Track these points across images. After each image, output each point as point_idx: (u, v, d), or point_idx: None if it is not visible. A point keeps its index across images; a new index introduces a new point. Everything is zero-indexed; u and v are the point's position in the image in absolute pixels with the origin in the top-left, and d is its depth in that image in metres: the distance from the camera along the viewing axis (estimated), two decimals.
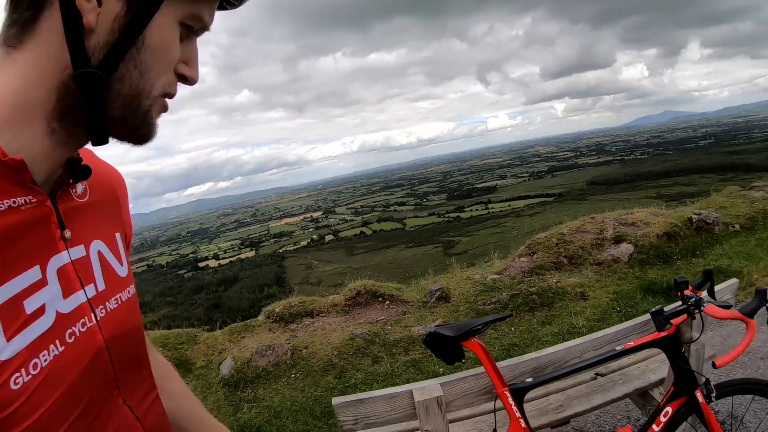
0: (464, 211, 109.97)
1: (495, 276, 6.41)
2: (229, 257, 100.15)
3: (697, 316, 2.07)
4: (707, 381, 2.12)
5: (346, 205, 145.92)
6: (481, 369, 2.11)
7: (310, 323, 5.82)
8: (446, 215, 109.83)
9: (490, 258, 7.46)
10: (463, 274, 6.63)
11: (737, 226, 7.36)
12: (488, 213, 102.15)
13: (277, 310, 6.08)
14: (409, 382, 4.39)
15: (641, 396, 2.84)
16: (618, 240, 6.97)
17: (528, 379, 2.15)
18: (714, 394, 2.09)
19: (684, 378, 2.07)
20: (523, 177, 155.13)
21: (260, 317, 6.17)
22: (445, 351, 2.06)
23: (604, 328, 4.83)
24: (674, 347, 2.09)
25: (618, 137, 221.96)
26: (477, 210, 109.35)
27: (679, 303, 2.08)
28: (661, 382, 2.73)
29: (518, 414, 2.01)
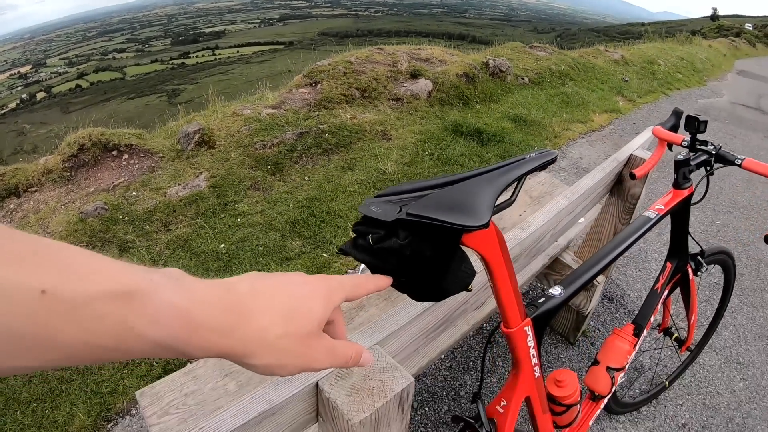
0: (189, 58, 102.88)
1: (271, 110, 5.04)
2: None
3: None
4: (702, 252, 1.79)
5: (58, 55, 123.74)
6: None
7: (16, 206, 3.80)
8: (170, 62, 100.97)
9: (258, 92, 5.98)
10: (227, 109, 5.12)
11: (527, 80, 7.47)
12: (215, 59, 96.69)
13: None
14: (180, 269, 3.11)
15: (550, 267, 2.34)
16: (415, 75, 6.29)
17: (554, 290, 1.15)
18: (704, 268, 1.79)
19: (681, 251, 1.68)
20: (254, 23, 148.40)
21: None
22: (426, 268, 0.68)
23: (418, 173, 4.30)
24: (684, 212, 1.60)
25: None
26: (203, 56, 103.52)
27: (686, 152, 1.50)
28: (568, 245, 2.33)
29: (535, 357, 1.08)
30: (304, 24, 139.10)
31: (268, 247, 3.35)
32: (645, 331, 1.58)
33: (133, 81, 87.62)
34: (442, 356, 2.48)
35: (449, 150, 4.82)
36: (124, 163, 4.14)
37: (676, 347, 2.06)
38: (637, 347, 1.55)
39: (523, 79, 7.38)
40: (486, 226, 0.66)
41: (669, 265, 1.67)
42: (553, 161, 0.80)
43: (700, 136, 1.47)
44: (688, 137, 1.49)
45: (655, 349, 2.52)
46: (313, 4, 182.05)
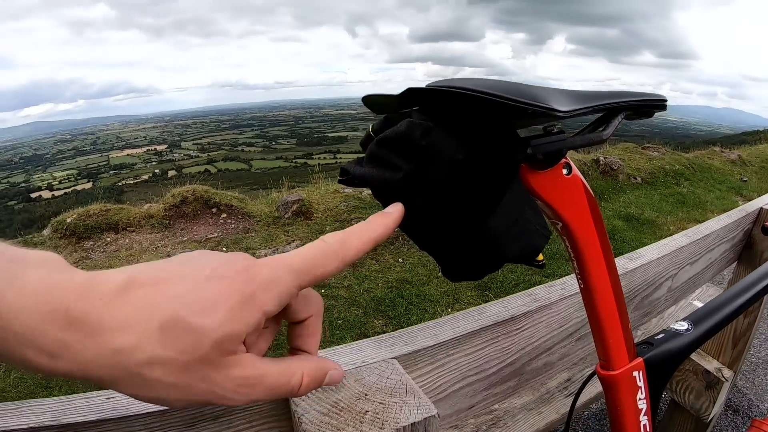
0: (312, 159, 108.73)
1: None
2: (65, 188, 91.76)
3: None
4: None
5: (192, 140, 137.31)
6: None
7: (112, 240, 4.02)
8: (294, 160, 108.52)
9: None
10: (330, 186, 5.24)
11: (639, 179, 7.19)
12: (336, 162, 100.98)
13: (68, 220, 4.26)
14: None
15: None
16: None
17: (678, 326, 0.77)
18: None
19: None
20: None
21: (46, 231, 4.38)
22: (457, 183, 0.41)
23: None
24: None
25: None
26: (325, 158, 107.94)
27: None
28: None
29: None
30: None
31: (348, 322, 3.26)
32: None
33: (257, 173, 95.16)
34: None
35: (555, 244, 4.44)
36: (221, 221, 4.28)
37: None
38: None
39: (635, 178, 7.11)
40: (564, 116, 0.41)
41: None
42: (661, 106, 0.54)
43: None
44: None
45: None
46: None
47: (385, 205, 0.43)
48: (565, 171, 0.49)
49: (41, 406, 0.50)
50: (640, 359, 0.66)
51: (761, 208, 1.63)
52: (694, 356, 1.85)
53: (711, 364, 1.84)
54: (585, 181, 0.52)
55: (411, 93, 0.40)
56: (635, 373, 0.65)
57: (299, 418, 0.50)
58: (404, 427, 0.49)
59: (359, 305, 3.41)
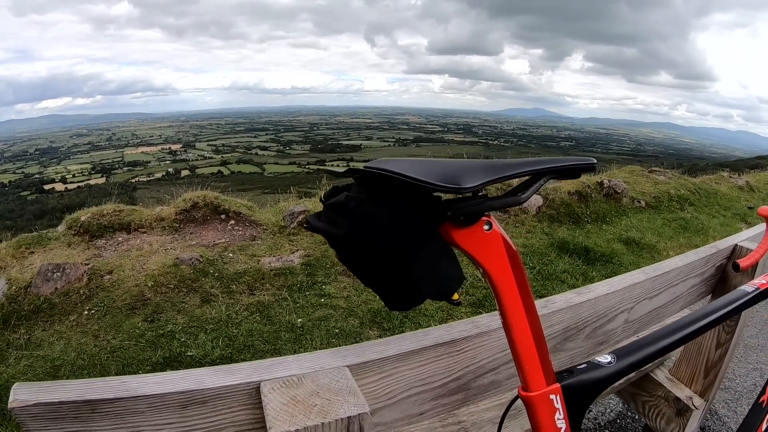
0: (325, 165, 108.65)
1: None
2: (78, 182, 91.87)
3: None
4: None
5: (207, 141, 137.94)
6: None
7: (123, 240, 4.18)
8: (307, 166, 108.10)
9: None
10: None
11: (643, 203, 7.21)
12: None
13: (82, 218, 4.40)
14: (251, 335, 3.15)
15: (638, 384, 2.04)
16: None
17: (602, 359, 0.86)
18: None
19: None
20: (389, 141, 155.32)
21: (60, 227, 4.50)
22: (385, 242, 0.56)
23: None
24: None
25: (487, 122, 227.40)
26: (338, 166, 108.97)
27: None
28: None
29: None
30: (436, 147, 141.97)
31: (344, 331, 3.35)
32: None
33: (269, 177, 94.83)
34: None
35: (552, 266, 4.62)
36: (229, 227, 4.43)
37: None
38: None
39: (639, 202, 7.13)
40: (462, 191, 0.54)
41: None
42: (588, 168, 0.66)
43: None
44: None
45: None
46: (446, 129, 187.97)
47: (335, 251, 0.57)
48: (485, 227, 0.62)
49: (69, 386, 0.64)
50: (557, 384, 0.78)
51: (736, 244, 1.69)
52: (666, 383, 1.94)
53: (683, 392, 1.90)
54: (505, 235, 0.65)
55: (351, 171, 0.55)
56: (552, 396, 0.77)
57: (265, 405, 0.65)
58: (342, 419, 0.64)
59: (356, 316, 3.50)
